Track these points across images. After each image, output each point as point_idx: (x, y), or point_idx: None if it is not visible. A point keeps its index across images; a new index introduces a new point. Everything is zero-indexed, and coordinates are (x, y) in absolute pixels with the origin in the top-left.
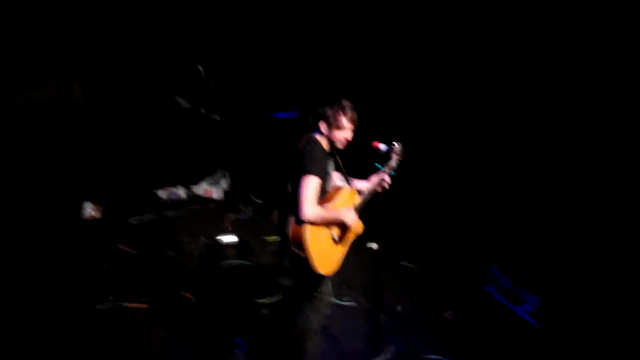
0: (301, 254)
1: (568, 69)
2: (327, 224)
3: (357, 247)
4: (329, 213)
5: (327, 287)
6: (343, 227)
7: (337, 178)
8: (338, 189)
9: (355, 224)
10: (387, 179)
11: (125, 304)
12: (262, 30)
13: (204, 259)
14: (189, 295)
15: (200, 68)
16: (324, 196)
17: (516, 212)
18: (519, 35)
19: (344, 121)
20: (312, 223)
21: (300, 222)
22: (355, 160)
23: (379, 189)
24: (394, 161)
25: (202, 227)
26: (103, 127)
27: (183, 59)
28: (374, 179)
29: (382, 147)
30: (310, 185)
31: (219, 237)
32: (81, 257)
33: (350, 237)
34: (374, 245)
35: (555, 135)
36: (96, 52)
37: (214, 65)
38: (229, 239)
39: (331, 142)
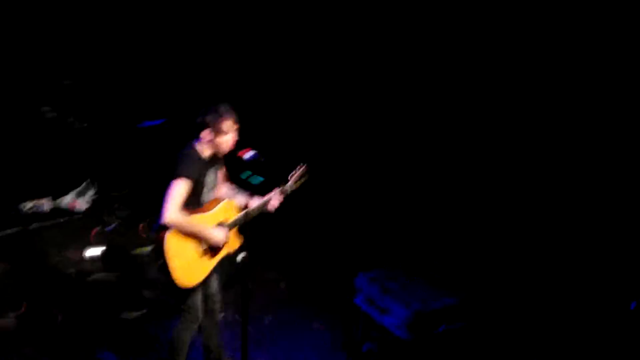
0: (163, 260)
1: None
2: (190, 235)
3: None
4: (192, 225)
5: (196, 299)
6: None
7: (227, 189)
8: (217, 200)
9: (223, 241)
10: (277, 199)
11: None
12: (128, 36)
13: (69, 272)
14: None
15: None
16: (200, 205)
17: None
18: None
19: (225, 125)
20: (174, 229)
21: (163, 227)
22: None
23: (269, 209)
24: (291, 182)
25: (67, 240)
26: None
27: (49, 66)
28: (265, 198)
29: (247, 156)
30: (177, 188)
31: (84, 251)
32: None
33: (223, 251)
34: (241, 255)
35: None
36: None
37: (80, 72)
38: (94, 251)
39: (216, 149)
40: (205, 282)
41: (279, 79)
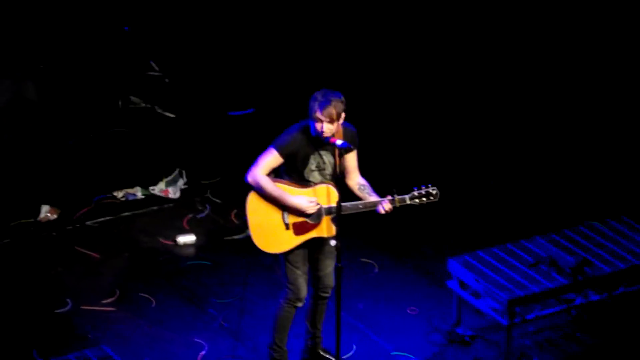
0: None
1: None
2: (269, 198)
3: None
4: (272, 187)
5: (296, 277)
6: (300, 215)
7: (355, 183)
8: (320, 182)
9: (301, 207)
10: (388, 207)
11: (84, 307)
12: (216, 25)
13: (162, 259)
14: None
15: (154, 64)
16: (304, 184)
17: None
18: None
19: (318, 113)
20: (253, 189)
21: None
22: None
23: (378, 211)
24: (410, 196)
25: (160, 228)
26: (58, 128)
27: (136, 55)
28: (372, 200)
29: (338, 143)
30: (267, 154)
31: (177, 237)
32: (38, 260)
33: (310, 232)
34: (333, 242)
35: None
36: (48, 51)
37: (168, 62)
38: (187, 238)
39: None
40: (312, 263)
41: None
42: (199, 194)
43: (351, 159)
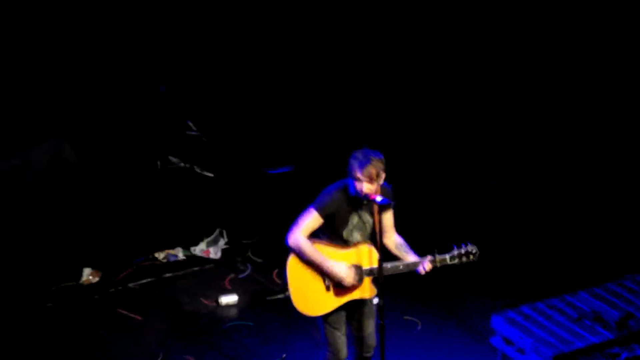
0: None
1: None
2: (310, 263)
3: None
4: (312, 251)
5: (335, 337)
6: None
7: (394, 239)
8: (360, 243)
9: (341, 276)
10: (429, 267)
11: None
12: (254, 84)
13: (204, 320)
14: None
15: (191, 124)
16: (342, 244)
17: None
18: None
19: (358, 173)
20: (293, 252)
21: (288, 250)
22: None
23: (419, 271)
24: (450, 257)
25: (201, 288)
26: (97, 189)
27: (174, 115)
28: (413, 260)
29: (378, 199)
30: (307, 215)
31: (219, 298)
32: (81, 323)
33: (351, 294)
34: (376, 300)
35: None
36: (85, 112)
37: (205, 121)
38: (229, 298)
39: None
40: (352, 324)
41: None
42: (240, 254)
43: (388, 217)
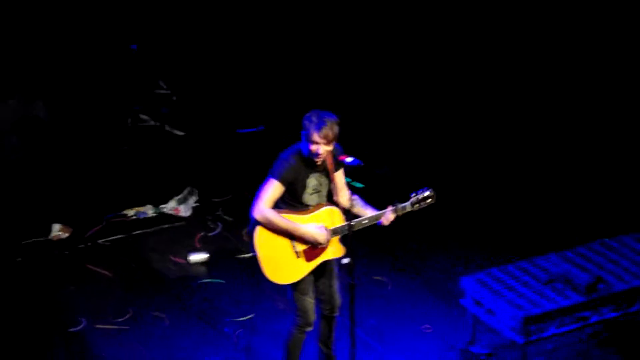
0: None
1: None
2: (279, 231)
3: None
4: (281, 220)
5: (305, 302)
6: (304, 241)
7: (347, 196)
8: (321, 205)
9: (318, 237)
10: (391, 216)
11: (97, 326)
12: (225, 42)
13: (174, 277)
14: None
15: (162, 83)
16: (301, 208)
17: None
18: None
19: (315, 135)
20: (262, 224)
21: (255, 222)
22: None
23: (383, 223)
24: (410, 203)
25: (172, 246)
26: (68, 146)
27: (144, 74)
28: (375, 213)
29: (348, 160)
30: (267, 186)
31: (189, 256)
32: (50, 279)
33: (320, 256)
34: (345, 260)
35: None
36: (57, 70)
37: (176, 79)
38: (199, 256)
39: (310, 155)
40: (318, 286)
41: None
42: (210, 212)
43: (340, 176)
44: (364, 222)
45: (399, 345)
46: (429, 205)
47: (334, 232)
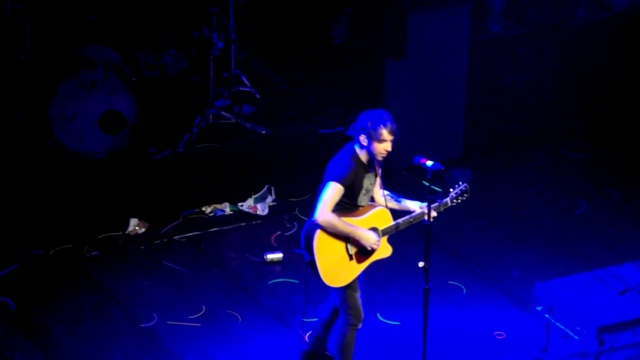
0: (311, 257)
1: None
2: (339, 235)
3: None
4: (343, 224)
5: (355, 300)
6: (361, 244)
7: (382, 195)
8: (371, 206)
9: (374, 243)
10: (434, 213)
11: (169, 322)
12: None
13: (249, 275)
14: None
15: (245, 79)
16: (354, 209)
17: None
18: None
19: (384, 133)
20: (322, 228)
21: (314, 226)
22: None
23: (425, 220)
24: (450, 200)
25: (248, 244)
26: (148, 142)
27: (228, 70)
28: (419, 211)
29: (430, 164)
30: (329, 190)
31: (265, 255)
32: (125, 273)
33: (371, 257)
34: (421, 264)
35: None
36: (141, 63)
37: (258, 77)
38: (274, 255)
39: (371, 155)
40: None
41: None
42: (287, 211)
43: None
44: (410, 220)
45: (472, 351)
46: (465, 199)
47: (384, 232)
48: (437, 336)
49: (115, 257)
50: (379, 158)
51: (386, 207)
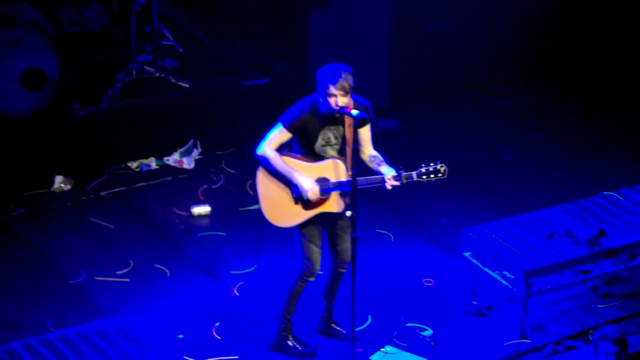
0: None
1: None
2: (277, 175)
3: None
4: (280, 163)
5: (310, 251)
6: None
7: (368, 155)
8: (332, 158)
9: (306, 189)
10: (394, 182)
11: (98, 278)
12: None
13: (176, 229)
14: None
15: (168, 33)
16: (313, 158)
17: None
18: None
19: (331, 87)
20: (261, 164)
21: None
22: None
23: (386, 186)
24: (418, 174)
25: (174, 198)
26: (72, 99)
27: (150, 25)
28: (380, 176)
29: (354, 113)
30: (274, 130)
31: (192, 208)
32: (51, 230)
33: (319, 207)
34: (348, 213)
35: None
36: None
37: (181, 31)
38: (202, 209)
39: (325, 106)
40: (330, 238)
41: None
42: (213, 165)
43: (364, 132)
44: (365, 182)
45: (399, 298)
46: (439, 179)
47: (333, 186)
48: (365, 284)
49: (41, 215)
50: (328, 111)
51: (368, 165)
